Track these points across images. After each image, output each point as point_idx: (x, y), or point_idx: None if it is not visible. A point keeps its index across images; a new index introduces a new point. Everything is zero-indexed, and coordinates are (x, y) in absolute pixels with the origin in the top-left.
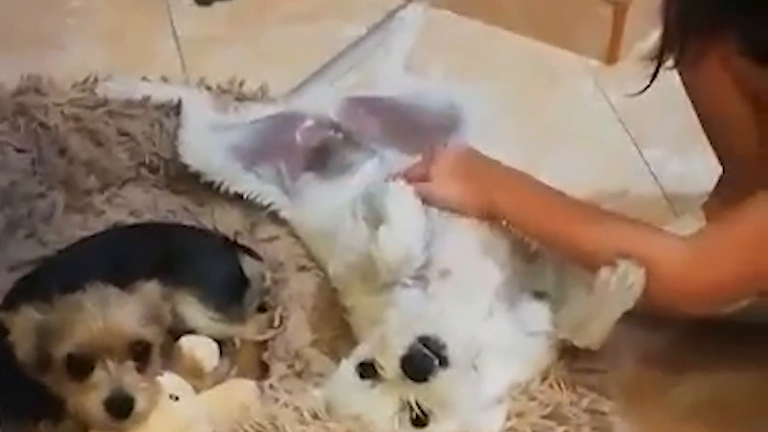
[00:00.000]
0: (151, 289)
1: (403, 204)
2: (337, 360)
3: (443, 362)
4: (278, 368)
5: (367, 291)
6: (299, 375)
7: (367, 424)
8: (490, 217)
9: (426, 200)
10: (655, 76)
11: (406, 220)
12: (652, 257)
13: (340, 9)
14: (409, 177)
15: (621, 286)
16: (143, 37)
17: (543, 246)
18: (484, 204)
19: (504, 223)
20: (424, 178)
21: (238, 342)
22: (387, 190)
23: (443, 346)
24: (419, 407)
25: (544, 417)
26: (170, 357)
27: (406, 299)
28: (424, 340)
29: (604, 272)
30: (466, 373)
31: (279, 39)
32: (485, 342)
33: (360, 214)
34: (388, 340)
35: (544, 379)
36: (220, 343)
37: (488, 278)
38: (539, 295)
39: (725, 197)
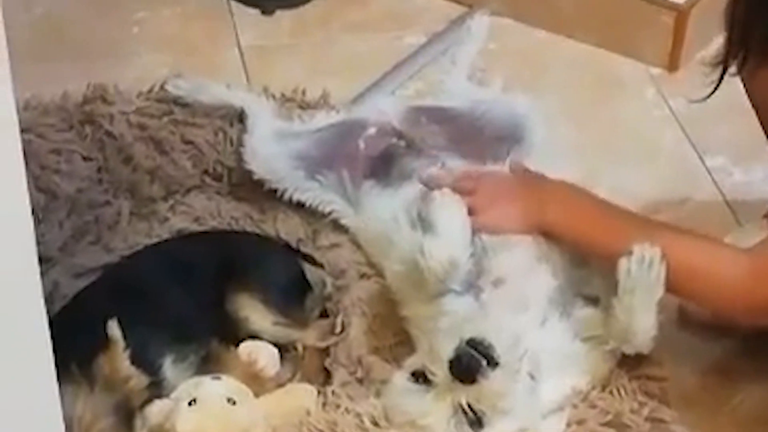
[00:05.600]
0: None
1: (448, 213)
2: (399, 367)
3: (491, 362)
4: (340, 375)
5: (421, 300)
6: (361, 381)
7: (425, 431)
8: (543, 234)
9: (480, 231)
10: (720, 82)
11: (450, 229)
12: (713, 269)
13: (402, 18)
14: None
15: (641, 269)
16: (207, 46)
17: (598, 260)
18: (535, 222)
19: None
20: (470, 209)
21: (300, 348)
22: (433, 200)
23: (490, 347)
24: (472, 410)
25: (605, 425)
26: (229, 362)
27: (458, 307)
28: (471, 342)
29: (622, 262)
30: (516, 373)
31: (341, 48)
32: (540, 349)
33: (418, 222)
34: (437, 346)
35: (604, 386)
36: (281, 349)
37: (541, 286)
38: (592, 301)
39: None
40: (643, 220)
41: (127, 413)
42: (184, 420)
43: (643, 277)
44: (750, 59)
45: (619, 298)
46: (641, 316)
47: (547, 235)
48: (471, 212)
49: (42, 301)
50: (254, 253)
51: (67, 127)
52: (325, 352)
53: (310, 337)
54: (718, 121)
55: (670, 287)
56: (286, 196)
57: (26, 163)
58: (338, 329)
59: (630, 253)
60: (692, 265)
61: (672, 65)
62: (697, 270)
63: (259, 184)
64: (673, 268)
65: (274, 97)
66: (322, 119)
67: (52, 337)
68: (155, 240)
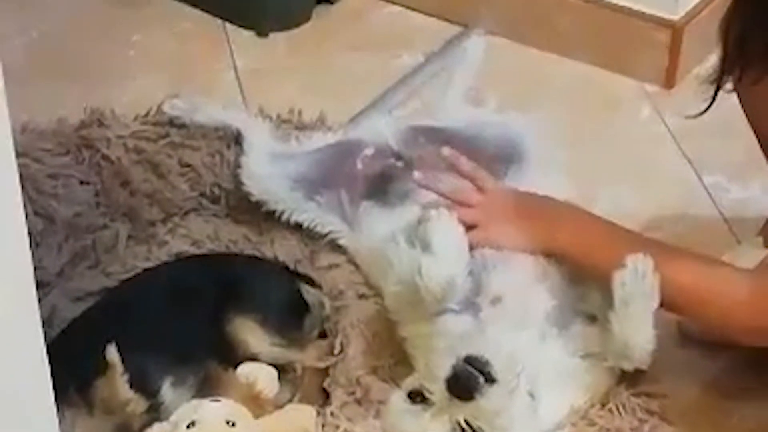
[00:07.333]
0: None
1: (445, 232)
2: (398, 387)
3: (488, 379)
4: (339, 395)
5: (419, 320)
6: (359, 402)
7: None
8: (551, 255)
9: (483, 246)
10: (714, 98)
11: (448, 248)
12: (714, 290)
13: (398, 38)
14: (462, 222)
15: (636, 280)
16: (203, 68)
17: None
18: (545, 243)
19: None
20: (475, 223)
21: (299, 369)
22: (429, 219)
23: (487, 364)
24: (470, 427)
25: None
26: (228, 384)
27: (456, 326)
28: (468, 359)
29: (616, 275)
30: (513, 390)
31: (337, 68)
32: (539, 367)
33: (416, 242)
34: (434, 364)
35: (603, 404)
36: (280, 370)
37: (540, 303)
38: (591, 318)
39: None
40: (647, 241)
41: None
42: None
43: (637, 288)
44: (746, 74)
45: (615, 311)
46: (638, 329)
47: (556, 255)
48: (472, 226)
49: (40, 326)
50: (252, 275)
51: (63, 151)
52: (324, 372)
53: (308, 358)
54: (715, 138)
55: (672, 306)
56: (284, 218)
57: (23, 188)
58: (337, 350)
59: (623, 265)
60: (694, 286)
61: (668, 82)
62: (698, 291)
63: (257, 205)
64: (676, 288)
65: (270, 118)
66: (319, 140)
67: (51, 361)
68: (153, 263)
